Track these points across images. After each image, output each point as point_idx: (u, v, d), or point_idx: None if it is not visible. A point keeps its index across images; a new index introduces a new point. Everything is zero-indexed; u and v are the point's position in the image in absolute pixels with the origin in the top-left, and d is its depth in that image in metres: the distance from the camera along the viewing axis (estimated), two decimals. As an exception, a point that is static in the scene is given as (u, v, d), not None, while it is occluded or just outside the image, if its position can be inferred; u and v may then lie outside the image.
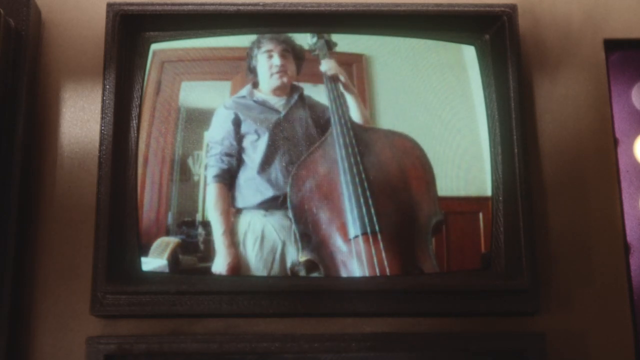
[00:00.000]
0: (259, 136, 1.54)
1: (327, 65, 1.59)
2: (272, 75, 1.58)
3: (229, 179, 1.53)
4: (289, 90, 1.58)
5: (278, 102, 1.57)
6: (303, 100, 1.58)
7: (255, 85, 1.58)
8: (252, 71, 1.59)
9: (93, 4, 1.61)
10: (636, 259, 1.56)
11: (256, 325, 1.47)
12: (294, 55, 1.59)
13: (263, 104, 1.56)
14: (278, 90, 1.58)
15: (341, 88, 1.58)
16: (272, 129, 1.55)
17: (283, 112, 1.56)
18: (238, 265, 1.49)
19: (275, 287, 1.46)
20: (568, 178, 1.57)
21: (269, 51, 1.58)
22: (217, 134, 1.55)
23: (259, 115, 1.55)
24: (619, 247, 1.54)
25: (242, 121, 1.55)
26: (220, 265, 1.49)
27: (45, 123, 1.56)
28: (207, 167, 1.53)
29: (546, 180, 1.57)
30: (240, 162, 1.54)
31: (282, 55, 1.58)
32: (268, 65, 1.58)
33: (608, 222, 1.55)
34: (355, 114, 1.57)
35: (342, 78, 1.58)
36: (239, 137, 1.54)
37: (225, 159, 1.53)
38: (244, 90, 1.58)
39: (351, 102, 1.57)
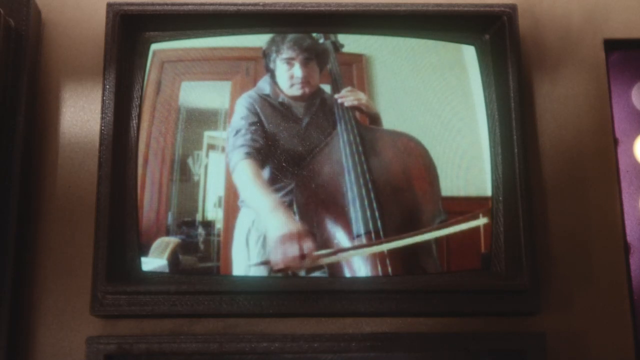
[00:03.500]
0: (277, 144, 1.51)
1: (352, 96, 1.55)
2: (292, 85, 1.55)
3: (260, 160, 1.49)
4: (309, 95, 1.57)
5: (300, 109, 1.55)
6: (325, 104, 1.56)
7: (274, 80, 1.56)
8: (269, 71, 1.56)
9: (93, 4, 1.61)
10: (636, 259, 1.56)
11: (256, 325, 1.47)
12: (318, 61, 1.56)
13: (288, 109, 1.54)
14: (298, 98, 1.56)
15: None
16: (290, 140, 1.53)
17: (304, 123, 1.54)
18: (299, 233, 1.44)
19: (275, 287, 1.46)
20: (568, 178, 1.57)
21: (290, 59, 1.55)
22: (243, 118, 1.51)
23: (281, 122, 1.52)
24: (619, 247, 1.54)
25: (265, 123, 1.53)
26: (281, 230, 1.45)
27: (45, 123, 1.56)
28: (234, 148, 1.50)
29: (546, 180, 1.57)
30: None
31: (304, 65, 1.55)
32: (288, 74, 1.55)
33: (608, 222, 1.55)
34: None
35: (358, 113, 1.55)
36: (262, 131, 1.52)
37: (258, 139, 1.50)
38: (266, 86, 1.55)
39: None
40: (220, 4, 1.55)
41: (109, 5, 1.54)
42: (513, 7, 1.57)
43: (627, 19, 1.66)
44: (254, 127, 1.51)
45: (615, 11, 1.66)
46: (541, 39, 1.64)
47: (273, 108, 1.55)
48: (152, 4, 1.55)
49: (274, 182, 1.51)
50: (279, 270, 1.46)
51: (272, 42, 1.57)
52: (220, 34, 1.59)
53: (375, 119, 1.56)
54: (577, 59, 1.63)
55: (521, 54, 1.57)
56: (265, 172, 1.51)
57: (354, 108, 1.56)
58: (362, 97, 1.56)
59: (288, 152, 1.52)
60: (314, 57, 1.56)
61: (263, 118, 1.54)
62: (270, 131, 1.53)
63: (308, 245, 1.45)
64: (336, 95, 1.56)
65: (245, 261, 1.49)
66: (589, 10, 1.66)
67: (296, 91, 1.56)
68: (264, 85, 1.57)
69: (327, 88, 1.58)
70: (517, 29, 1.56)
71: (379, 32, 1.60)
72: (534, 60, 1.63)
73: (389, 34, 1.60)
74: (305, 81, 1.56)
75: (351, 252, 1.46)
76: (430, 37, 1.60)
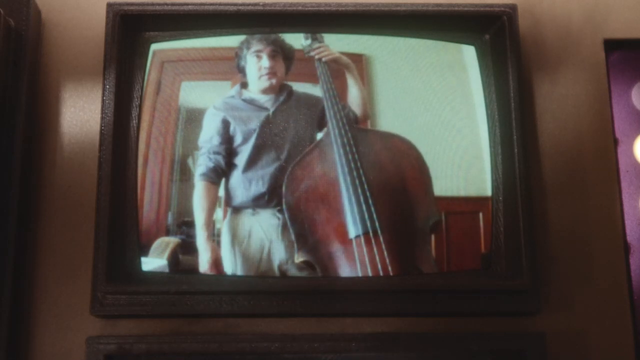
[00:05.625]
0: (247, 136, 1.54)
1: (320, 49, 1.58)
2: (260, 76, 1.58)
3: (215, 177, 1.53)
4: (277, 89, 1.58)
5: (267, 101, 1.57)
6: (292, 97, 1.57)
7: (244, 85, 1.58)
8: (241, 71, 1.58)
9: (93, 4, 1.61)
10: (636, 259, 1.56)
11: (256, 325, 1.47)
12: (284, 56, 1.59)
13: (251, 103, 1.56)
14: (267, 90, 1.58)
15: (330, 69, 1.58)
16: (261, 127, 1.55)
17: (272, 110, 1.56)
18: (218, 259, 1.49)
19: (275, 287, 1.46)
20: (568, 178, 1.57)
21: (258, 52, 1.57)
22: (206, 133, 1.55)
23: (247, 114, 1.55)
24: (619, 247, 1.54)
25: (230, 122, 1.55)
26: (204, 262, 1.49)
27: (45, 123, 1.56)
28: (196, 165, 1.53)
29: (546, 180, 1.57)
30: (230, 162, 1.54)
31: (271, 57, 1.58)
32: (257, 66, 1.58)
33: (608, 222, 1.55)
34: (355, 101, 1.57)
35: (343, 60, 1.58)
36: (227, 137, 1.54)
37: (212, 157, 1.53)
38: (233, 90, 1.58)
39: (352, 85, 1.57)
40: (220, 4, 1.55)
41: (109, 5, 1.54)
42: (513, 7, 1.57)
43: (627, 19, 1.66)
44: (209, 145, 1.53)
45: (615, 11, 1.66)
46: (541, 39, 1.64)
47: (236, 108, 1.56)
48: (152, 4, 1.55)
49: (248, 169, 1.53)
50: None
51: (242, 42, 1.59)
52: (220, 34, 1.59)
53: (349, 69, 1.59)
54: (577, 59, 1.63)
55: (521, 54, 1.57)
56: (236, 175, 1.53)
57: (333, 61, 1.58)
58: (332, 50, 1.59)
59: (264, 138, 1.54)
60: (280, 51, 1.59)
61: (230, 119, 1.55)
62: (237, 129, 1.54)
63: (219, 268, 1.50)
64: (312, 53, 1.58)
65: (232, 262, 1.50)
66: (589, 10, 1.66)
67: (264, 82, 1.57)
68: (232, 91, 1.58)
69: (317, 89, 1.58)
70: (517, 29, 1.56)
71: (379, 32, 1.60)
72: (534, 60, 1.63)
73: (389, 34, 1.60)
74: (272, 72, 1.58)
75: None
76: (430, 37, 1.60)
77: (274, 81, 1.58)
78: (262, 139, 1.54)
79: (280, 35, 1.59)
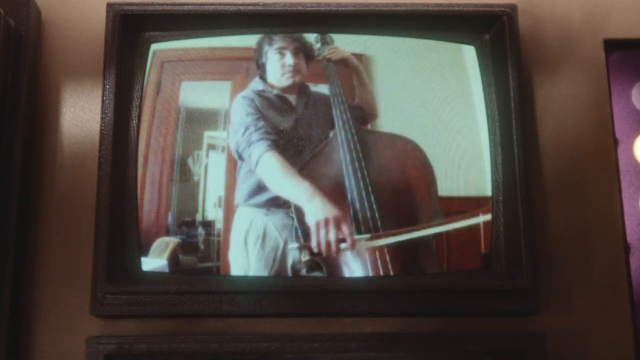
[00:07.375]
0: (275, 135, 1.53)
1: (332, 50, 1.58)
2: (283, 74, 1.57)
3: (279, 151, 1.51)
4: (297, 88, 1.58)
5: (294, 100, 1.56)
6: (311, 97, 1.57)
7: (264, 79, 1.57)
8: (260, 67, 1.58)
9: (93, 4, 1.61)
10: (636, 259, 1.56)
11: (256, 325, 1.47)
12: (305, 54, 1.58)
13: (282, 99, 1.55)
14: (288, 89, 1.57)
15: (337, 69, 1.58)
16: (290, 128, 1.54)
17: (299, 111, 1.55)
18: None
19: (276, 287, 1.46)
20: (568, 178, 1.57)
21: (281, 49, 1.57)
22: (248, 115, 1.52)
23: (278, 113, 1.54)
24: (619, 247, 1.54)
25: (262, 116, 1.54)
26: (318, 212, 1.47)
27: (45, 123, 1.56)
28: (249, 143, 1.51)
29: (546, 180, 1.57)
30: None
31: (295, 54, 1.57)
32: (280, 64, 1.57)
33: (608, 222, 1.55)
34: (363, 101, 1.57)
35: (353, 62, 1.58)
36: (269, 123, 1.54)
37: (271, 132, 1.51)
38: (259, 84, 1.57)
39: (360, 85, 1.58)
40: (220, 4, 1.55)
41: (109, 5, 1.54)
42: (513, 7, 1.57)
43: (627, 19, 1.66)
44: (262, 122, 1.53)
45: (615, 11, 1.66)
46: (541, 39, 1.64)
47: (269, 101, 1.56)
48: (152, 4, 1.55)
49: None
50: (316, 254, 1.48)
51: (263, 38, 1.58)
52: (220, 34, 1.59)
53: (357, 70, 1.59)
54: (577, 59, 1.63)
55: (521, 54, 1.57)
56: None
57: (342, 60, 1.58)
58: (344, 51, 1.59)
59: (290, 142, 1.53)
60: (302, 48, 1.58)
61: (263, 112, 1.54)
62: (271, 124, 1.54)
63: (346, 229, 1.48)
64: (324, 54, 1.58)
65: (244, 262, 1.49)
66: (589, 10, 1.66)
67: (287, 80, 1.57)
68: (256, 84, 1.57)
69: (325, 89, 1.58)
70: (517, 29, 1.56)
71: (379, 32, 1.60)
72: (534, 60, 1.63)
73: (389, 34, 1.60)
74: (296, 69, 1.57)
75: (390, 238, 1.48)
76: (430, 37, 1.60)
77: (296, 79, 1.57)
78: (288, 139, 1.54)
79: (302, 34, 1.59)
